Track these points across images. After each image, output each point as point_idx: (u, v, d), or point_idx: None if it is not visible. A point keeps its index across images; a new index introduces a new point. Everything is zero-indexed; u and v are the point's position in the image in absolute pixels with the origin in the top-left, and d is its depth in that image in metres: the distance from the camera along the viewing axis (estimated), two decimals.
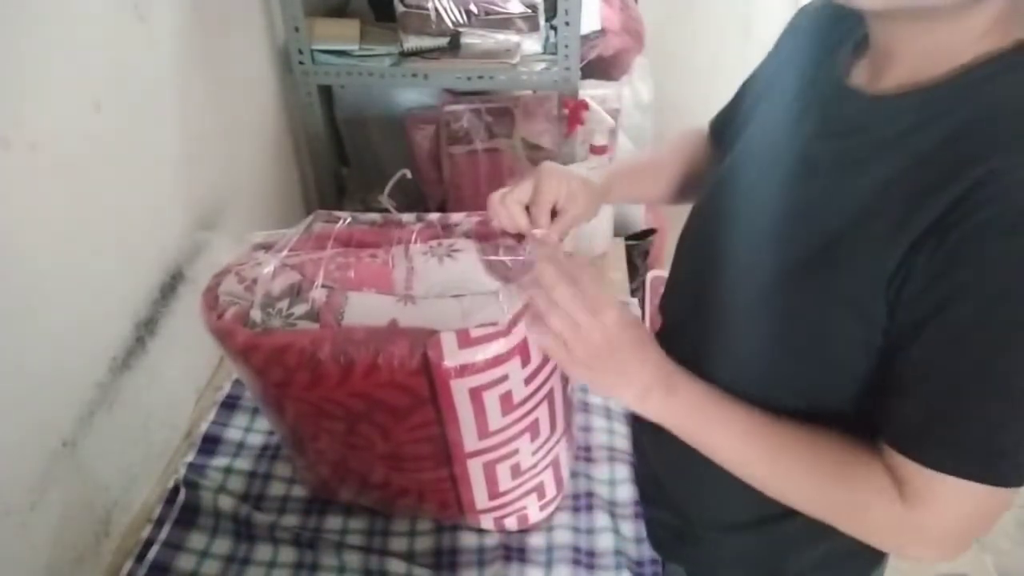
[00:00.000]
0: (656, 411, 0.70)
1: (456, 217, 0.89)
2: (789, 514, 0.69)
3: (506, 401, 0.77)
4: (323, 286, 0.79)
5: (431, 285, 0.80)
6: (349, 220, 0.87)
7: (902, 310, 0.57)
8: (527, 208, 0.82)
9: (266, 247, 0.84)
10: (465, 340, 0.72)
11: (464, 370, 0.72)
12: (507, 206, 0.80)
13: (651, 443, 0.75)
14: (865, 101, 0.63)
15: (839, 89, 0.66)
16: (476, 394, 0.75)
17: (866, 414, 0.63)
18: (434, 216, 0.91)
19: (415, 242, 0.85)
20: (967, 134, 0.55)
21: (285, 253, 0.81)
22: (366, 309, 0.78)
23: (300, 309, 0.77)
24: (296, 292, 0.79)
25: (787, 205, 0.67)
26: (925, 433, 0.58)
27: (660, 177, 0.97)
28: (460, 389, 0.74)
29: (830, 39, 0.71)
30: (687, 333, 0.80)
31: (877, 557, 0.82)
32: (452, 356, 0.72)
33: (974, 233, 0.52)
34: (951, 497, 0.58)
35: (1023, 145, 0.52)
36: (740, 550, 0.84)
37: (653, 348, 0.70)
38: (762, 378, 0.69)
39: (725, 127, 0.88)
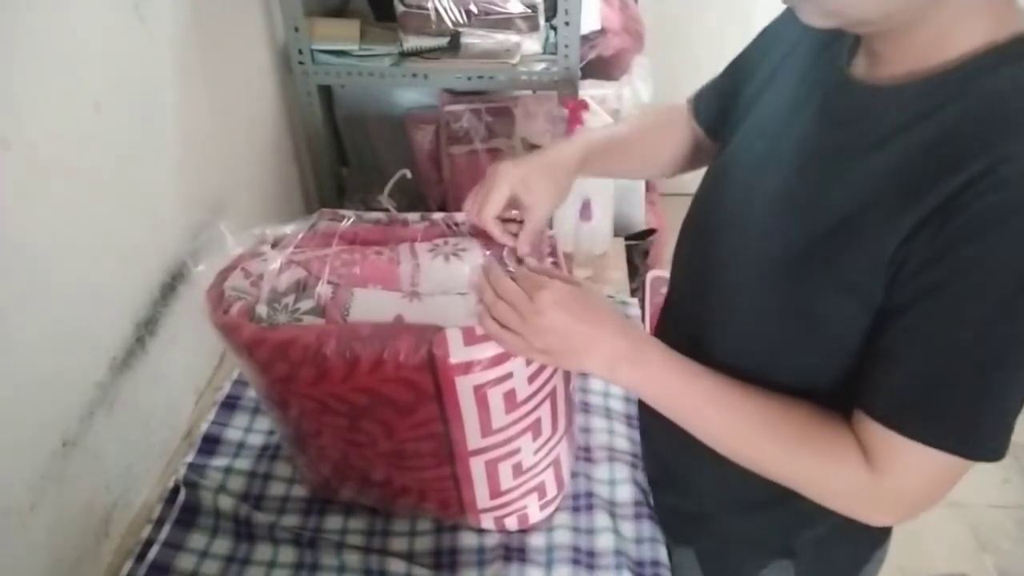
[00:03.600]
0: (627, 380, 0.71)
1: (460, 216, 0.89)
2: (794, 492, 0.70)
3: (509, 399, 0.77)
4: (329, 282, 0.79)
5: (437, 283, 0.80)
6: (353, 218, 0.87)
7: (898, 288, 0.59)
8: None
9: (272, 243, 0.84)
10: (471, 337, 0.72)
11: (469, 367, 0.73)
12: (485, 225, 0.82)
13: (658, 426, 0.76)
14: (866, 91, 0.64)
15: (840, 78, 0.67)
16: (480, 391, 0.75)
17: (846, 390, 0.65)
18: (438, 215, 0.91)
19: (420, 240, 0.85)
20: (973, 122, 0.56)
21: (291, 249, 0.81)
22: (371, 305, 0.78)
23: (306, 305, 0.77)
24: (302, 288, 0.79)
25: (789, 192, 0.68)
26: (907, 403, 0.60)
27: (635, 154, 0.97)
28: (465, 386, 0.74)
29: (830, 33, 0.72)
30: (688, 314, 0.82)
31: (881, 536, 0.84)
32: (457, 353, 0.72)
33: (980, 216, 0.53)
34: (921, 465, 0.60)
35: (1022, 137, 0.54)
36: (749, 529, 0.84)
37: (610, 320, 0.71)
38: (759, 358, 0.71)
39: (718, 114, 0.88)
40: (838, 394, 0.66)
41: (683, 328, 0.78)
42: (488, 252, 0.84)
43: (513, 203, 0.83)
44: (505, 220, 0.84)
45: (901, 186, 0.58)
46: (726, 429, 0.69)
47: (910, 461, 0.60)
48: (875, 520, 0.66)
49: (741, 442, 0.69)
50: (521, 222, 0.84)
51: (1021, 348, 0.56)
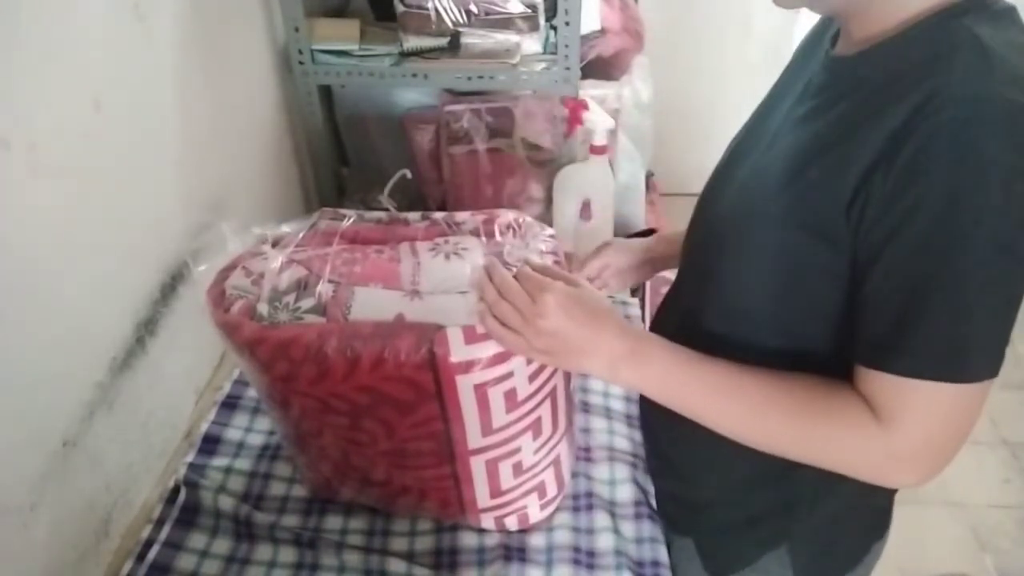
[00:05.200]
0: (628, 380, 0.73)
1: (461, 216, 0.90)
2: (791, 471, 0.71)
3: (510, 398, 0.77)
4: (330, 281, 0.79)
5: (437, 281, 0.80)
6: (354, 218, 0.88)
7: (864, 233, 0.61)
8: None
9: (273, 242, 0.84)
10: (471, 336, 0.73)
11: (470, 366, 0.73)
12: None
13: (657, 414, 0.77)
14: (837, 62, 0.69)
15: (824, 60, 0.72)
16: (481, 390, 0.75)
17: (845, 351, 0.66)
18: (439, 215, 0.91)
19: (420, 239, 0.85)
20: (913, 66, 0.60)
21: (292, 248, 0.81)
22: (373, 304, 0.78)
23: (307, 303, 0.78)
24: (303, 286, 0.79)
25: (765, 159, 0.72)
26: (890, 342, 0.61)
27: None
28: (465, 385, 0.74)
29: (823, 27, 0.78)
30: (682, 287, 0.87)
31: (880, 528, 0.84)
32: (458, 352, 0.72)
33: (924, 143, 0.56)
34: (922, 405, 0.61)
35: (963, 65, 0.57)
36: (747, 516, 0.85)
37: (610, 321, 0.72)
38: (747, 322, 0.73)
39: None
40: (834, 358, 0.67)
41: (676, 303, 0.83)
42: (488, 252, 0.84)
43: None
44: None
45: (851, 128, 0.62)
46: (734, 418, 0.70)
47: (911, 402, 0.60)
48: (902, 480, 0.66)
49: (750, 427, 0.70)
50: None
51: (988, 268, 0.57)
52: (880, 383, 0.62)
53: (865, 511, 0.68)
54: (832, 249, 0.64)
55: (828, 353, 0.69)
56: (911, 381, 0.60)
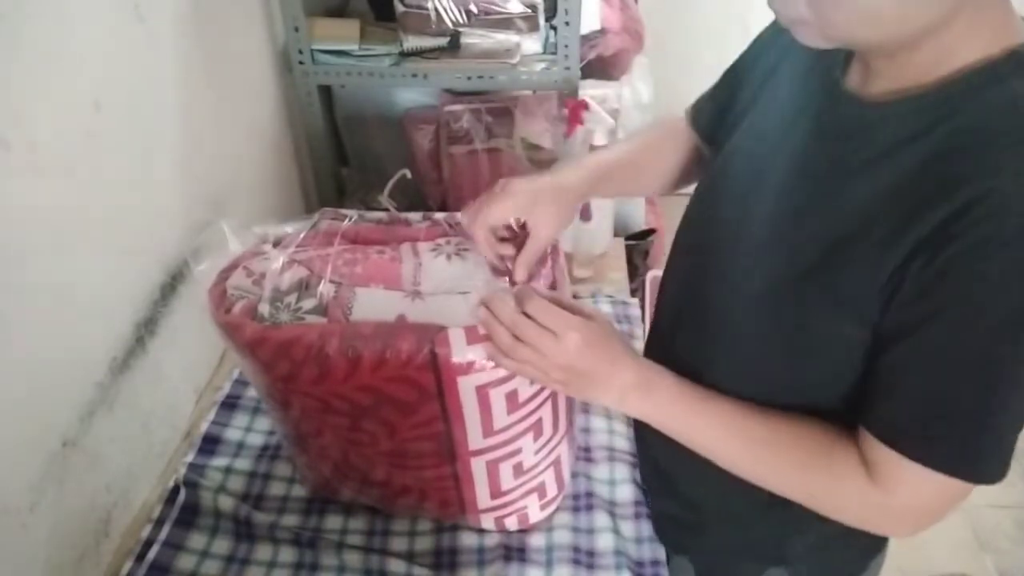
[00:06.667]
0: (635, 410, 0.73)
1: (461, 216, 0.89)
2: (785, 499, 0.71)
3: (511, 399, 0.77)
4: (331, 281, 0.79)
5: (438, 282, 0.80)
6: (355, 218, 0.88)
7: (896, 311, 0.59)
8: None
9: (275, 242, 0.84)
10: (473, 336, 0.72)
11: (471, 367, 0.73)
12: (475, 236, 0.80)
13: (655, 435, 0.76)
14: (861, 107, 0.63)
15: (835, 91, 0.66)
16: (482, 391, 0.75)
17: (853, 405, 0.66)
18: (440, 215, 0.91)
19: (422, 240, 0.85)
20: (961, 147, 0.56)
21: (293, 248, 0.81)
22: (374, 304, 0.78)
23: (308, 304, 0.77)
24: (304, 287, 0.79)
25: (783, 208, 0.67)
26: (908, 426, 0.61)
27: (642, 171, 0.96)
28: (467, 386, 0.74)
29: None
30: (683, 338, 0.81)
31: (876, 546, 0.84)
32: (459, 352, 0.72)
33: (972, 247, 0.54)
34: (922, 486, 0.61)
35: (1018, 160, 0.53)
36: (744, 537, 0.84)
37: (625, 355, 0.72)
38: (760, 381, 0.71)
39: (715, 122, 0.86)
40: (842, 411, 0.67)
41: (679, 356, 0.77)
42: (488, 277, 0.82)
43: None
44: (502, 239, 0.82)
45: (895, 208, 0.58)
46: (735, 454, 0.71)
47: (913, 481, 0.61)
48: (887, 532, 0.68)
49: (750, 465, 0.71)
50: (512, 240, 0.82)
51: (1015, 373, 0.57)
52: (884, 454, 0.62)
53: (862, 533, 0.68)
54: (856, 322, 0.62)
55: (836, 407, 0.68)
56: (923, 469, 0.60)
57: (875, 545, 0.84)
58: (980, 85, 0.56)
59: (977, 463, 0.59)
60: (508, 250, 0.82)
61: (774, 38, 0.78)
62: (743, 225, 0.71)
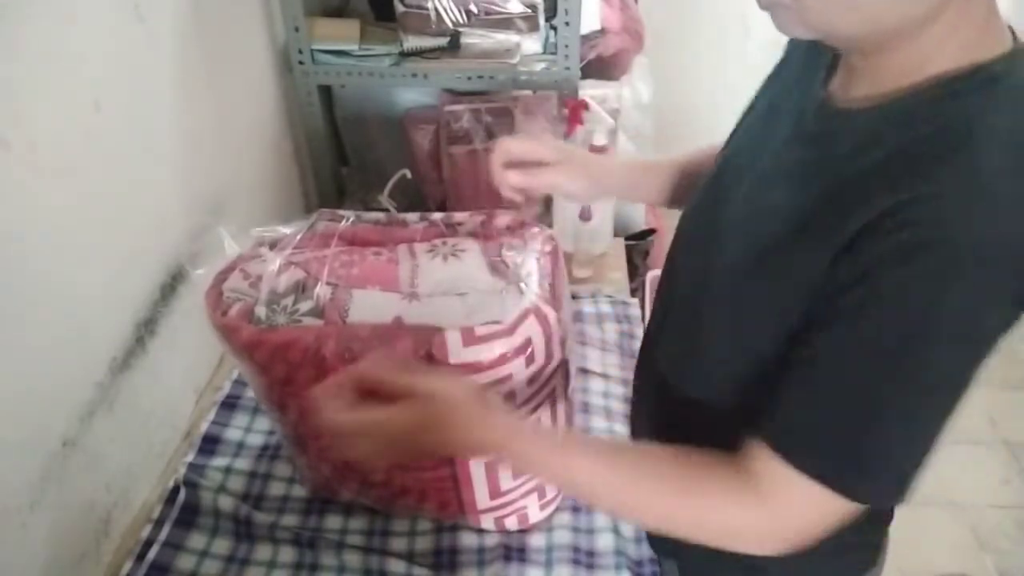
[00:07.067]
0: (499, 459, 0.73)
1: (459, 216, 0.89)
2: None
3: (509, 400, 0.77)
4: (328, 283, 0.79)
5: (435, 283, 0.80)
6: (353, 219, 0.87)
7: (814, 309, 0.58)
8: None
9: (271, 244, 0.84)
10: (470, 338, 0.72)
11: (469, 368, 0.72)
12: (492, 158, 0.84)
13: (647, 438, 0.76)
14: (830, 111, 0.63)
15: (817, 95, 0.66)
16: None
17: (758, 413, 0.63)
18: (437, 216, 0.91)
19: (419, 241, 0.85)
20: (905, 156, 0.55)
21: (290, 250, 0.81)
22: (371, 306, 0.78)
23: (305, 306, 0.77)
24: (301, 289, 0.79)
25: (750, 209, 0.67)
26: (799, 435, 0.59)
27: (656, 179, 0.96)
28: None
29: (816, 48, 0.70)
30: (666, 340, 0.80)
31: (871, 559, 0.82)
32: (457, 354, 0.72)
33: (894, 249, 0.53)
34: (806, 499, 0.58)
35: (946, 176, 0.53)
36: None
37: (464, 412, 0.64)
38: (731, 389, 0.69)
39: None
40: None
41: (652, 366, 0.76)
42: (487, 254, 0.83)
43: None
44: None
45: (832, 212, 0.58)
46: (617, 486, 0.66)
47: (797, 493, 0.58)
48: (764, 551, 0.63)
49: (632, 497, 0.66)
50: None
51: (914, 395, 0.55)
52: (772, 462, 0.59)
53: (854, 547, 0.66)
54: (789, 328, 0.61)
55: None
56: (802, 479, 0.57)
57: (869, 560, 0.81)
58: (938, 98, 0.56)
59: (861, 479, 0.57)
60: (515, 178, 0.83)
61: (787, 49, 0.78)
62: (711, 226, 0.71)
